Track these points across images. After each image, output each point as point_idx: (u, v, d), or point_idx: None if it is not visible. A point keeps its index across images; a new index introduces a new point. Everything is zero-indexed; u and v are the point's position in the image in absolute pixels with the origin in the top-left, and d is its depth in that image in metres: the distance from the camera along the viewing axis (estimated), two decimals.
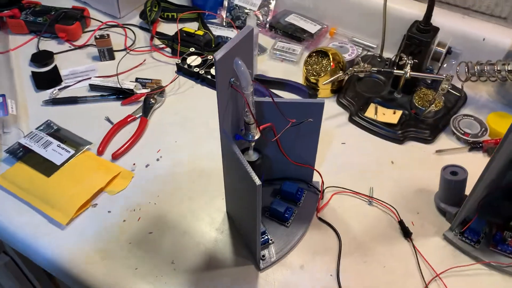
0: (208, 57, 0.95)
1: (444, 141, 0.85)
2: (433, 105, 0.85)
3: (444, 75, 0.81)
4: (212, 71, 0.93)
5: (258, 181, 0.53)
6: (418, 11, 0.93)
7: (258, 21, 1.08)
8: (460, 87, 0.90)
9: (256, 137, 0.63)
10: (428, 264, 0.67)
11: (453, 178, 0.69)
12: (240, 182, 0.61)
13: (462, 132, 0.84)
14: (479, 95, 0.93)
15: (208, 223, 0.72)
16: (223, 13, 1.10)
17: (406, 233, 0.71)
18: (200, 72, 0.94)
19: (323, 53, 0.91)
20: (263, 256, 0.67)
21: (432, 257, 0.68)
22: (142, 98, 0.91)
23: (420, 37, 0.83)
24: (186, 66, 0.95)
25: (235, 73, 0.56)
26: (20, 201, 0.74)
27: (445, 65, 0.96)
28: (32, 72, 0.97)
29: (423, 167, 0.80)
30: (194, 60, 0.95)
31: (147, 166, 0.80)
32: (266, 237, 0.69)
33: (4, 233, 0.72)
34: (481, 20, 0.93)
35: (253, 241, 0.64)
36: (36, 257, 0.69)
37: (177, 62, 0.96)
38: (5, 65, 0.96)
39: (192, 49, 0.96)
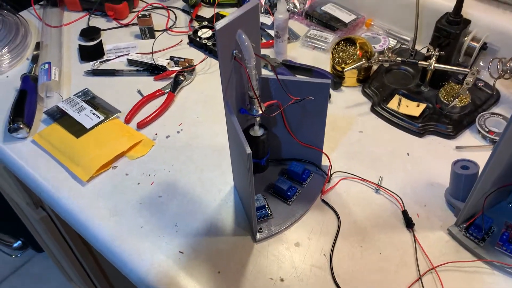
0: None
1: (468, 138, 0.82)
2: (457, 100, 0.82)
3: (470, 69, 0.78)
4: None
5: (248, 150, 0.55)
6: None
7: (295, 9, 1.10)
8: (492, 84, 0.86)
9: (260, 112, 0.65)
10: (426, 257, 0.66)
11: (463, 172, 0.67)
12: (238, 153, 0.63)
13: (487, 130, 0.81)
14: None
15: (214, 193, 0.75)
16: (263, 0, 1.13)
17: (409, 224, 0.70)
18: (208, 44, 0.99)
19: (351, 42, 0.91)
20: (261, 228, 0.69)
21: (433, 250, 0.67)
22: (173, 75, 0.96)
23: (449, 29, 0.81)
24: (197, 39, 1.00)
25: (238, 46, 0.58)
26: (51, 157, 0.82)
27: (481, 63, 0.92)
28: (79, 45, 1.05)
29: (440, 162, 0.78)
30: (205, 33, 0.99)
31: (167, 137, 0.85)
32: (266, 211, 0.71)
33: (33, 184, 0.80)
34: None
35: (250, 212, 0.67)
36: (56, 207, 0.76)
37: (189, 34, 1.01)
38: (56, 38, 1.05)
39: (205, 23, 1.01)
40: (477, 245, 0.66)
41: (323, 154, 0.76)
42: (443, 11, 0.86)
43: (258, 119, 0.67)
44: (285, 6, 0.91)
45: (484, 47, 0.88)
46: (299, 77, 0.72)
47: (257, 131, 0.69)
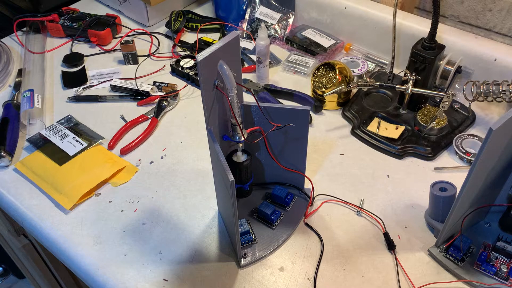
0: None
1: (446, 159, 0.85)
2: (434, 122, 0.84)
3: (445, 93, 0.81)
4: None
5: (231, 177, 0.56)
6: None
7: (276, 34, 1.12)
8: (468, 106, 0.89)
9: (242, 139, 0.66)
10: (408, 278, 0.67)
11: (441, 194, 0.69)
12: (221, 179, 0.64)
13: (464, 151, 0.83)
14: (489, 116, 0.92)
15: (198, 219, 0.76)
16: (244, 26, 1.15)
17: (390, 245, 0.71)
18: (190, 74, 1.01)
19: (330, 67, 0.93)
20: (245, 254, 0.70)
21: (414, 271, 0.68)
22: (157, 100, 0.97)
23: (424, 54, 0.84)
24: (179, 68, 1.02)
25: (220, 76, 0.59)
26: (33, 185, 0.81)
27: (456, 85, 0.95)
28: (62, 71, 1.05)
29: (419, 183, 0.80)
30: (187, 62, 1.01)
31: (151, 162, 0.85)
32: (250, 236, 0.71)
33: (15, 213, 0.79)
34: (493, 41, 0.92)
35: (234, 238, 0.67)
36: (39, 235, 0.75)
37: (171, 64, 1.03)
38: (39, 64, 1.05)
39: (187, 52, 1.02)
40: (457, 265, 0.67)
41: (305, 178, 0.78)
42: (418, 36, 0.89)
43: (241, 145, 0.68)
44: (266, 32, 0.93)
45: (459, 70, 0.91)
46: (280, 104, 0.73)
47: (240, 157, 0.70)
